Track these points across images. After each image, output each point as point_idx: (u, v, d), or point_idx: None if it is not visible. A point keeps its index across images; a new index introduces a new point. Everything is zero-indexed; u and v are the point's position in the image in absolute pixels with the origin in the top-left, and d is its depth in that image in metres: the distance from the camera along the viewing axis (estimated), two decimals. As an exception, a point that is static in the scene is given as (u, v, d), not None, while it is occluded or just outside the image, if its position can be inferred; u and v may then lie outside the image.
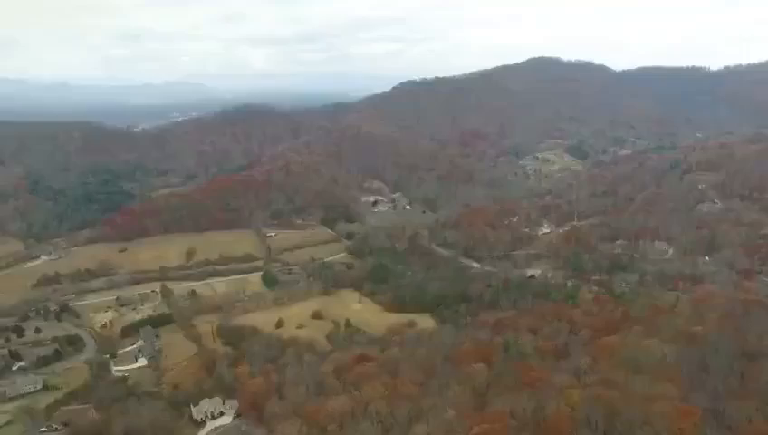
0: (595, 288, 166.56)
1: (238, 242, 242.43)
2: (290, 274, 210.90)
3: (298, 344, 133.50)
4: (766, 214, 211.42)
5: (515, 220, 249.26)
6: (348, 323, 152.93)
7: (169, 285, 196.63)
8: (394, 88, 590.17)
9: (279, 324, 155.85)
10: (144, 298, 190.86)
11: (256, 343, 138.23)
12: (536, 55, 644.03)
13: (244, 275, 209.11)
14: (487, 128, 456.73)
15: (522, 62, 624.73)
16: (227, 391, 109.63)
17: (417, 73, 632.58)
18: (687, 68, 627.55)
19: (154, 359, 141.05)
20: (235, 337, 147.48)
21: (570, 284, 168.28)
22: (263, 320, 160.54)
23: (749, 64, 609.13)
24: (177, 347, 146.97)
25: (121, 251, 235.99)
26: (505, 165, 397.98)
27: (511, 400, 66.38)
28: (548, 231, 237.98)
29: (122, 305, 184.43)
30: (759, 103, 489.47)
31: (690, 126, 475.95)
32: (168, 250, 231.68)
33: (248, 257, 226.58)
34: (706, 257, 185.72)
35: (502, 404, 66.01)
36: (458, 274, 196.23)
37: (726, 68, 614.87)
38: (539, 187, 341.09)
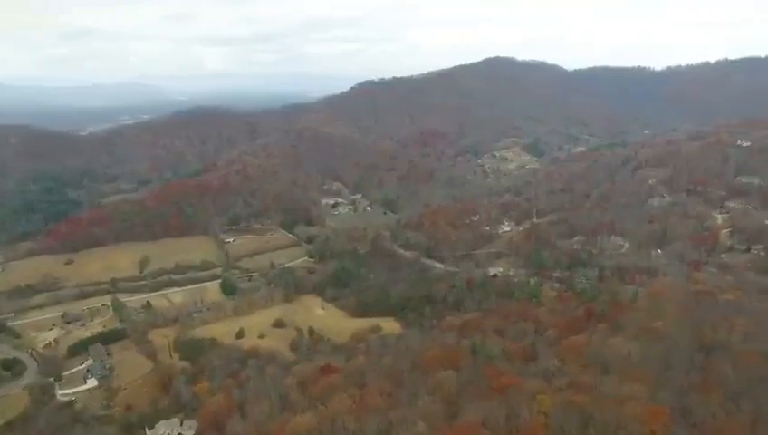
0: (557, 285, 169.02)
1: (195, 249, 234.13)
2: (250, 281, 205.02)
3: (260, 356, 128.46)
4: (710, 207, 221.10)
5: (476, 219, 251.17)
6: (311, 331, 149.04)
7: (121, 297, 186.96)
8: (352, 88, 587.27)
9: (240, 335, 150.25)
10: (93, 313, 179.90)
11: (216, 356, 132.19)
12: (492, 55, 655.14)
13: (202, 284, 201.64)
14: (446, 127, 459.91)
15: (478, 62, 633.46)
16: (186, 410, 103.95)
17: (374, 73, 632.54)
18: (633, 68, 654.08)
19: (105, 379, 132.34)
20: (193, 351, 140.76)
21: (532, 282, 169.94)
22: (222, 331, 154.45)
23: (688, 65, 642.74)
24: (130, 364, 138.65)
25: (67, 263, 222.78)
26: (464, 164, 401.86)
27: (482, 408, 64.90)
28: (508, 229, 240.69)
29: (69, 322, 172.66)
30: (698, 102, 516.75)
31: (638, 124, 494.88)
32: (119, 260, 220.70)
33: (206, 265, 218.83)
34: (659, 250, 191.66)
35: (473, 413, 64.45)
36: (422, 275, 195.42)
37: (668, 68, 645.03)
38: (498, 185, 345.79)
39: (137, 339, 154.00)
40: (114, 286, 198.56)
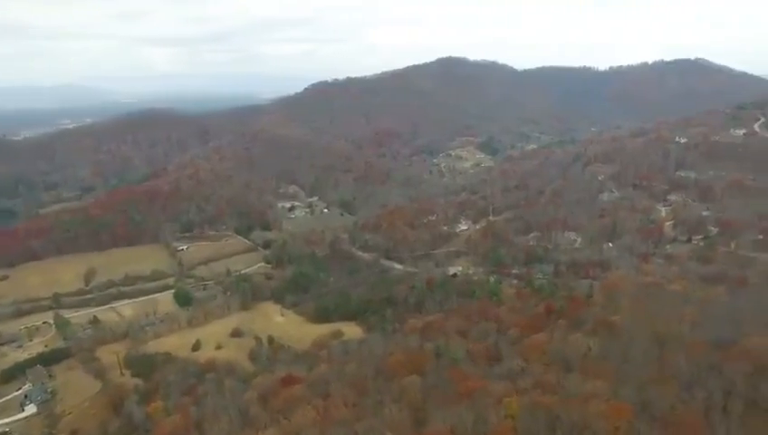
0: (515, 282, 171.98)
1: (145, 259, 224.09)
2: (205, 289, 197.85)
3: (218, 368, 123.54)
4: (655, 200, 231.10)
5: (434, 219, 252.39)
6: (271, 340, 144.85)
7: (65, 313, 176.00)
8: (306, 89, 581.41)
9: (196, 347, 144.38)
10: (32, 332, 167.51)
11: (171, 371, 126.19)
12: (444, 55, 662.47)
13: (154, 295, 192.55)
14: (400, 127, 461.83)
15: (431, 62, 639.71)
16: (139, 433, 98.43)
17: (328, 74, 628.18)
18: (579, 68, 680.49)
19: (46, 404, 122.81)
20: (146, 367, 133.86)
21: (492, 280, 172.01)
22: (177, 343, 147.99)
23: (628, 66, 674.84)
24: (76, 386, 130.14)
25: (2, 279, 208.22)
26: (420, 164, 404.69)
27: (450, 414, 64.17)
28: (466, 228, 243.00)
29: (3, 344, 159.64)
30: (639, 100, 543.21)
31: (585, 121, 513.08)
32: (62, 273, 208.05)
33: (157, 275, 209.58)
34: (610, 244, 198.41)
35: (441, 419, 63.63)
36: (381, 277, 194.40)
37: (611, 68, 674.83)
38: (454, 184, 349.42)
39: (83, 357, 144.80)
40: (56, 302, 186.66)
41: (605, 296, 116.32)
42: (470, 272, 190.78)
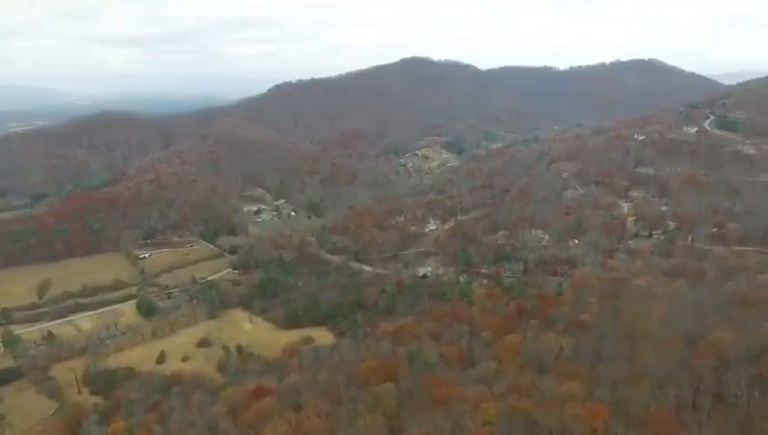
0: (485, 281, 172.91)
1: (105, 268, 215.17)
2: (169, 298, 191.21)
3: (184, 381, 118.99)
4: (617, 197, 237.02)
5: (402, 219, 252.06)
6: (239, 349, 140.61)
7: (15, 329, 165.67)
8: (270, 90, 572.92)
9: (160, 359, 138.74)
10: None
11: (134, 386, 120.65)
12: (408, 56, 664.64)
13: (115, 306, 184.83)
14: (366, 127, 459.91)
15: (395, 62, 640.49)
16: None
17: (292, 75, 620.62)
18: (541, 67, 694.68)
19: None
20: (106, 383, 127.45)
21: (462, 280, 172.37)
22: (140, 357, 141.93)
23: (588, 65, 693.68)
24: (27, 408, 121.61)
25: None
26: (387, 164, 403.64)
27: (426, 421, 62.94)
28: (434, 228, 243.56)
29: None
30: (598, 99, 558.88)
31: (548, 119, 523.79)
32: (12, 287, 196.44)
33: (118, 285, 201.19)
34: (576, 240, 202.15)
35: (417, 428, 62.31)
36: (351, 280, 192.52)
37: (571, 68, 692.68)
38: (421, 184, 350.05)
39: (36, 377, 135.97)
40: (5, 317, 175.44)
41: (574, 294, 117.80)
42: (440, 272, 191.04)
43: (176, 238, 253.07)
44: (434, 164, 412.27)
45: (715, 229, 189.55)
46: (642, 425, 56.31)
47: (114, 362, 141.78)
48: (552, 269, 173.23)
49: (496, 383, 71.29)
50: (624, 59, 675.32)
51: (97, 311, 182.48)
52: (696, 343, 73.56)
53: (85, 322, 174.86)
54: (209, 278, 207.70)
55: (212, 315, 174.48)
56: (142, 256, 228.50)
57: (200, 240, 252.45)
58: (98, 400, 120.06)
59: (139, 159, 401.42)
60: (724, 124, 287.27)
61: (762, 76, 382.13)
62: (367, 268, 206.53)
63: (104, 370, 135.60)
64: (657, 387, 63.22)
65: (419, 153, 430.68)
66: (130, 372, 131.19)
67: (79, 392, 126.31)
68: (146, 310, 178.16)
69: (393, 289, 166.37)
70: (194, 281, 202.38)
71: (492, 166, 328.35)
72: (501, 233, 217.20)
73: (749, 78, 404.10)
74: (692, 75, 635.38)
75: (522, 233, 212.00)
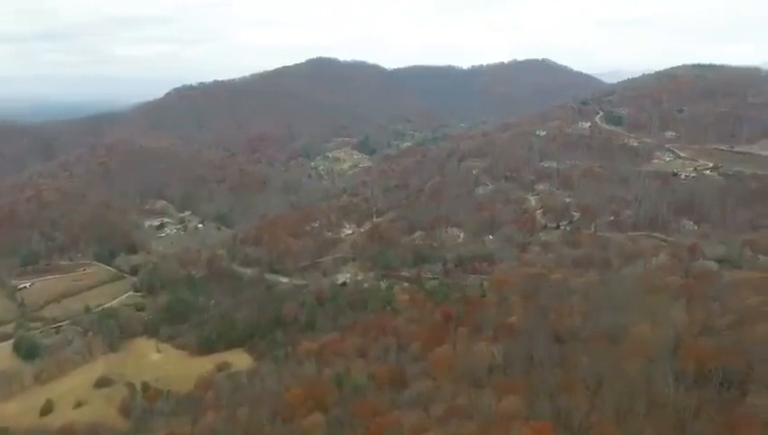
0: (406, 284, 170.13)
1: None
2: (58, 333, 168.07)
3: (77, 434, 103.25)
4: (525, 191, 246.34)
5: (317, 225, 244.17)
6: (146, 386, 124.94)
7: None
8: (168, 94, 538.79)
9: (46, 410, 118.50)
10: None
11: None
12: (314, 56, 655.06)
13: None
14: (275, 131, 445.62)
15: (301, 63, 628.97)
16: None
17: (193, 77, 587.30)
18: (445, 66, 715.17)
19: None
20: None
21: (383, 285, 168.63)
22: (18, 410, 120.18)
23: (488, 65, 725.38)
24: None
25: None
26: (298, 168, 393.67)
27: (362, 461, 57.29)
28: (350, 232, 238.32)
29: None
30: (498, 97, 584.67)
31: (455, 117, 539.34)
32: None
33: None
34: (490, 236, 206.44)
35: (353, 470, 56.44)
36: (268, 294, 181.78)
37: (473, 67, 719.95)
38: (334, 187, 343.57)
39: None
40: None
41: (497, 294, 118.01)
42: (359, 278, 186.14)
43: (64, 262, 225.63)
44: (346, 166, 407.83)
45: (612, 217, 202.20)
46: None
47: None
48: (470, 267, 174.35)
49: (433, 404, 67.36)
50: (520, 58, 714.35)
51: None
52: (621, 340, 74.64)
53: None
54: (107, 305, 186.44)
55: (112, 348, 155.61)
56: (21, 285, 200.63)
57: (94, 262, 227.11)
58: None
59: (13, 173, 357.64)
60: (611, 119, 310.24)
61: (637, 76, 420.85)
62: (283, 279, 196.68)
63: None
64: (593, 394, 62.42)
65: (331, 155, 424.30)
66: (3, 433, 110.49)
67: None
68: (26, 351, 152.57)
69: (313, 302, 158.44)
70: (88, 310, 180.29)
71: (404, 165, 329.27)
72: (418, 233, 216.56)
73: (626, 77, 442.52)
74: (580, 74, 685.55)
75: (438, 232, 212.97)
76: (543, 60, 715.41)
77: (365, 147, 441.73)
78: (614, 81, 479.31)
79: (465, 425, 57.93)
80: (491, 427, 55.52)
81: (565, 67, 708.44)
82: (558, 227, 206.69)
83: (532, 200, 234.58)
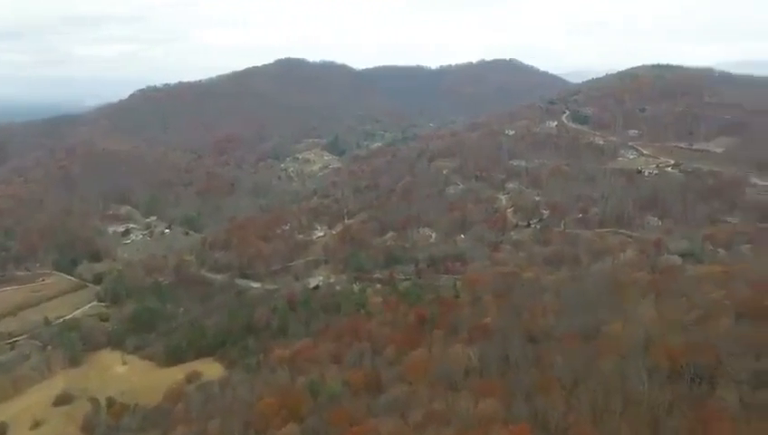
0: (379, 286, 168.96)
1: None
2: (14, 349, 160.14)
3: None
4: (495, 190, 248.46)
5: (287, 228, 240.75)
6: (111, 401, 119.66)
7: None
8: (132, 95, 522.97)
9: (0, 432, 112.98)
10: None
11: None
12: (283, 57, 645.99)
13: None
14: (243, 132, 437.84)
15: (269, 64, 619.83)
16: None
17: (157, 77, 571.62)
18: (413, 67, 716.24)
19: None
20: None
21: (356, 288, 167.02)
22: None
23: (456, 65, 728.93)
24: None
25: None
26: (267, 170, 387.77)
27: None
28: (322, 234, 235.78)
29: None
30: (467, 96, 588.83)
31: (423, 117, 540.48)
32: None
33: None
34: (462, 236, 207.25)
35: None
36: (238, 300, 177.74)
37: (441, 67, 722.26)
38: (304, 188, 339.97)
39: None
40: None
41: (470, 294, 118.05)
42: (332, 281, 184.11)
43: (21, 272, 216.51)
44: (316, 167, 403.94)
45: (580, 215, 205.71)
46: (563, 436, 54.68)
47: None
48: (443, 267, 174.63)
49: (410, 410, 66.27)
50: (488, 58, 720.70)
51: None
52: (594, 338, 75.26)
53: None
54: (69, 316, 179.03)
55: (73, 362, 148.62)
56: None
57: (54, 272, 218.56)
58: None
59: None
60: (577, 118, 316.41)
61: (601, 76, 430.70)
62: (255, 284, 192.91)
63: None
64: (569, 393, 62.49)
65: (300, 156, 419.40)
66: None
67: None
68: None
69: (285, 307, 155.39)
70: (47, 322, 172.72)
71: (374, 166, 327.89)
72: (390, 234, 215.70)
73: (591, 77, 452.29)
74: (545, 74, 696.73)
75: (410, 233, 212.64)
76: (511, 60, 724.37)
77: (334, 148, 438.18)
78: (579, 81, 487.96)
79: (442, 431, 57.02)
80: (469, 432, 54.75)
81: (532, 67, 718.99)
82: (529, 225, 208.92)
83: (503, 199, 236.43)
